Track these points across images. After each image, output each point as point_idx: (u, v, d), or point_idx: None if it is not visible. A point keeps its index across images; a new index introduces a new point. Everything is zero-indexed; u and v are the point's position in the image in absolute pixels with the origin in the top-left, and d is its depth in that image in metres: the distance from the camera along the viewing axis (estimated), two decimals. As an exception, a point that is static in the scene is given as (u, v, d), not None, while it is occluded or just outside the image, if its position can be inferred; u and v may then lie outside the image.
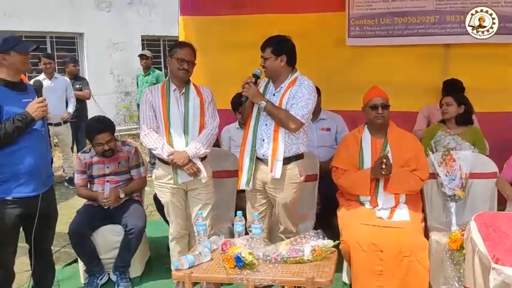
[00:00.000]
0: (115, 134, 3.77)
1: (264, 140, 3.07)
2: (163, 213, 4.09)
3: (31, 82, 2.97)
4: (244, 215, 2.93)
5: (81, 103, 6.68)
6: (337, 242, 2.69)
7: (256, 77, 3.11)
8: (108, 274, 3.62)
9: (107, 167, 3.69)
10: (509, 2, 4.31)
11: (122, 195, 3.67)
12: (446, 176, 3.31)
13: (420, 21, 4.58)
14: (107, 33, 10.06)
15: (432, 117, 4.56)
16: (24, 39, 3.70)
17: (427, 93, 4.65)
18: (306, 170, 3.19)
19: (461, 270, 2.90)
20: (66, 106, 6.31)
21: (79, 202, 5.62)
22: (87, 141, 7.02)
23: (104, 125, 3.61)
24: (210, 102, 3.25)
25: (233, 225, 3.52)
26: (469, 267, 2.38)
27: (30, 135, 2.75)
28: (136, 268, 3.68)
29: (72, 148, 6.77)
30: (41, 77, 6.00)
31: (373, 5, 4.62)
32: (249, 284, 2.43)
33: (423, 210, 3.30)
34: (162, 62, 11.17)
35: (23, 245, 3.02)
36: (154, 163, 4.49)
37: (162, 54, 11.21)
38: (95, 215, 3.62)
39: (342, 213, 3.20)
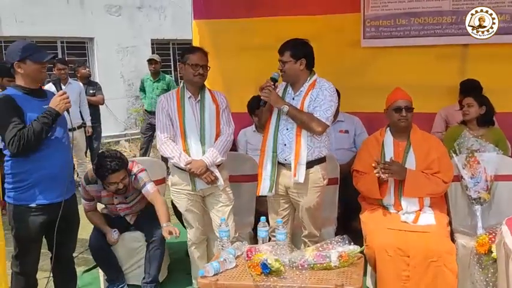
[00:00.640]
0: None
1: (285, 145, 3.04)
2: (181, 219, 4.08)
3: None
4: (266, 220, 2.89)
5: (94, 107, 6.70)
6: (363, 247, 2.65)
7: (274, 80, 3.08)
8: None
9: (116, 198, 3.49)
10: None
11: (166, 225, 3.22)
12: (471, 178, 3.26)
13: (437, 22, 4.53)
14: (117, 38, 10.08)
15: (451, 119, 4.50)
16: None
17: (444, 94, 4.60)
18: (328, 173, 3.16)
19: (489, 275, 2.85)
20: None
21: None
22: (100, 146, 7.15)
23: (117, 162, 3.23)
24: (225, 108, 3.24)
25: (253, 230, 3.53)
26: (503, 272, 2.32)
27: (53, 141, 2.74)
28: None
29: (86, 153, 6.78)
30: (55, 82, 6.01)
31: (389, 5, 4.57)
32: (277, 291, 2.40)
33: (448, 214, 3.24)
34: (172, 66, 11.18)
35: (44, 252, 3.00)
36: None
37: (171, 58, 11.22)
38: (113, 224, 3.58)
39: (366, 218, 3.15)
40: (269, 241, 2.82)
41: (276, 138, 3.07)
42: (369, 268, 3.13)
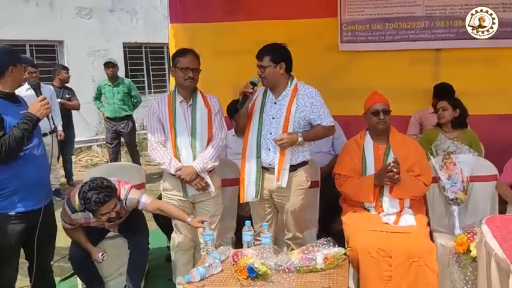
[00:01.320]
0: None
1: (269, 149, 3.05)
2: (160, 224, 4.04)
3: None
4: (250, 224, 2.89)
5: (67, 112, 6.53)
6: (348, 249, 2.68)
7: (254, 84, 3.07)
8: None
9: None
10: (496, 8, 4.40)
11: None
12: (448, 179, 3.35)
13: (410, 27, 4.65)
14: (88, 41, 9.89)
15: (425, 121, 4.62)
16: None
17: (418, 97, 4.72)
18: (311, 175, 3.19)
19: (468, 274, 2.93)
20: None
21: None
22: (73, 151, 6.93)
23: (105, 193, 2.92)
24: (217, 112, 3.17)
25: (235, 234, 3.52)
26: (483, 271, 2.39)
27: (30, 148, 2.68)
28: (135, 281, 3.58)
29: (58, 158, 6.61)
30: (25, 86, 5.84)
31: (365, 10, 4.67)
32: (264, 295, 2.40)
33: (427, 214, 3.31)
34: (145, 70, 11.05)
35: (21, 261, 2.92)
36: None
37: (144, 62, 11.10)
38: (93, 232, 3.45)
39: (348, 220, 3.19)
40: (253, 245, 2.81)
41: (259, 143, 3.07)
42: (351, 269, 3.16)
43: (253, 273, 2.44)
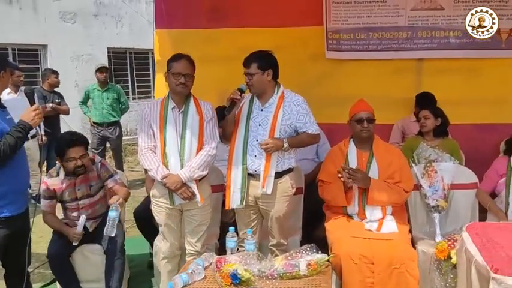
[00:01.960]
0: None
1: (255, 156, 3.05)
2: (143, 231, 4.01)
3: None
4: (234, 231, 2.89)
5: (55, 117, 6.45)
6: (331, 255, 2.70)
7: (242, 91, 3.07)
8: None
9: (78, 189, 3.43)
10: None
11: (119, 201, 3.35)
12: (429, 187, 3.40)
13: (394, 37, 4.73)
14: (71, 45, 9.82)
15: (407, 130, 4.68)
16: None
17: (401, 106, 4.78)
18: (295, 182, 3.20)
19: (449, 280, 2.96)
20: None
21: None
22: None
23: (77, 138, 3.37)
24: (209, 120, 3.09)
25: (219, 241, 3.51)
26: (463, 277, 2.42)
27: (18, 154, 2.66)
28: (117, 288, 3.55)
29: (42, 165, 6.50)
30: (7, 91, 5.76)
31: (349, 20, 4.73)
32: (248, 302, 2.40)
33: (408, 221, 3.35)
34: (129, 75, 11.00)
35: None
36: None
37: (128, 67, 11.05)
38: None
39: (331, 227, 3.21)
40: (237, 251, 2.81)
41: (246, 149, 3.07)
42: (334, 275, 3.18)
43: (236, 279, 2.43)
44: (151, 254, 3.83)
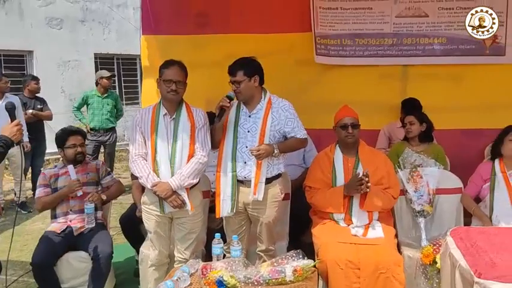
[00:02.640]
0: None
1: (245, 163, 3.05)
2: (129, 238, 3.98)
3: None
4: (221, 237, 2.88)
5: (38, 124, 6.39)
6: (317, 261, 2.70)
7: (230, 98, 3.05)
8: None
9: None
10: (460, 26, 4.56)
11: (104, 197, 3.67)
12: (415, 192, 3.42)
13: (379, 43, 4.77)
14: (58, 51, 9.76)
15: (393, 135, 4.72)
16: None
17: (386, 111, 4.82)
18: (284, 188, 3.21)
19: (434, 285, 2.98)
20: None
21: (33, 228, 5.40)
22: (43, 164, 6.76)
23: (76, 129, 3.82)
24: (201, 127, 3.07)
25: (205, 247, 3.49)
26: (447, 282, 2.44)
27: None
28: (101, 297, 3.51)
29: (26, 172, 6.43)
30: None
31: (336, 26, 4.76)
32: (233, 308, 2.39)
33: (394, 226, 3.37)
34: (116, 81, 10.94)
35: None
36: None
37: (116, 73, 10.99)
38: (58, 243, 3.44)
39: (317, 232, 3.21)
40: (224, 258, 2.80)
41: (235, 156, 3.06)
42: (320, 281, 3.18)
43: (222, 286, 2.43)
44: (137, 261, 3.80)
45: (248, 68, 3.05)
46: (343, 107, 3.41)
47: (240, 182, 3.09)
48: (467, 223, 3.46)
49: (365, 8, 4.71)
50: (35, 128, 6.17)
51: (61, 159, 3.90)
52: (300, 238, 3.80)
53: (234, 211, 3.08)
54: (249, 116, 3.10)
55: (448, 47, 4.61)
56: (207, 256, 3.29)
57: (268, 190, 3.06)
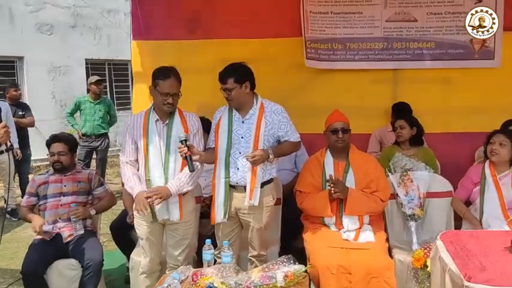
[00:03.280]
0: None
1: (238, 169, 3.04)
2: (120, 244, 3.95)
3: None
4: (211, 243, 2.87)
5: (23, 130, 6.32)
6: (309, 266, 2.69)
7: (185, 141, 2.90)
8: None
9: (65, 185, 3.59)
10: (449, 30, 4.60)
11: (93, 212, 3.62)
12: (405, 196, 3.43)
13: (370, 47, 4.78)
14: (49, 57, 9.71)
15: (384, 139, 4.73)
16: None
17: (378, 115, 4.83)
18: (276, 193, 3.20)
19: (425, 289, 2.98)
20: None
21: (23, 235, 5.35)
22: (29, 171, 6.71)
23: (61, 136, 3.74)
24: (195, 133, 3.05)
25: (197, 253, 3.47)
26: (437, 285, 2.44)
27: None
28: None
29: (14, 178, 6.37)
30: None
31: (326, 30, 4.76)
32: (224, 315, 2.38)
33: (385, 230, 3.37)
34: (108, 87, 10.90)
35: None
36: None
37: (107, 79, 10.96)
38: (48, 251, 3.40)
39: (309, 237, 3.21)
40: (215, 263, 2.79)
41: (228, 162, 3.05)
42: (312, 286, 3.17)
43: (212, 292, 2.41)
44: (128, 268, 3.77)
45: (238, 74, 3.04)
46: (334, 111, 3.42)
47: (232, 187, 3.08)
48: (457, 226, 3.47)
49: (355, 12, 4.71)
50: (18, 135, 6.10)
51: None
52: (291, 243, 3.79)
53: (227, 217, 3.07)
54: (242, 122, 3.09)
55: (437, 51, 4.63)
56: (198, 262, 3.27)
57: (260, 195, 3.04)
